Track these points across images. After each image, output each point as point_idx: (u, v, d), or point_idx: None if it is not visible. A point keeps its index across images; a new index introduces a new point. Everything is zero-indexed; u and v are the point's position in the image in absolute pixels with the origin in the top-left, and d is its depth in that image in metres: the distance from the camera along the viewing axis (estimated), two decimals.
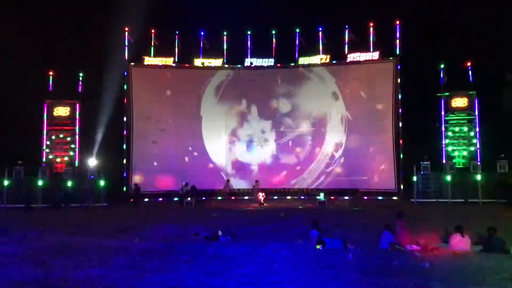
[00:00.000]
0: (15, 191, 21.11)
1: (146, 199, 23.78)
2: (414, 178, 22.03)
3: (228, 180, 23.44)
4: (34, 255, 8.86)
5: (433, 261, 8.05)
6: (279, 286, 6.67)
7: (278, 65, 26.03)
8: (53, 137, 23.56)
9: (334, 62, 25.73)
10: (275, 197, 24.47)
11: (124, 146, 24.54)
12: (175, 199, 22.97)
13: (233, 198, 24.20)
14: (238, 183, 25.85)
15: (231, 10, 26.87)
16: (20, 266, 8.09)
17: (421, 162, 22.58)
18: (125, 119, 24.69)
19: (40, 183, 21.21)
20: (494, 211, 17.42)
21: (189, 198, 21.86)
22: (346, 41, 25.33)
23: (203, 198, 23.44)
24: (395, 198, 23.24)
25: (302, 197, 24.56)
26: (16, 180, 21.43)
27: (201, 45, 26.07)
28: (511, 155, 21.80)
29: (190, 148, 25.79)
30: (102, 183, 22.10)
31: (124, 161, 24.43)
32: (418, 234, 11.41)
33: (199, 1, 28.56)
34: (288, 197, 24.67)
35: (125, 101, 24.78)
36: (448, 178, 21.70)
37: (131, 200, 22.01)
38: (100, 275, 7.30)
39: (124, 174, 24.37)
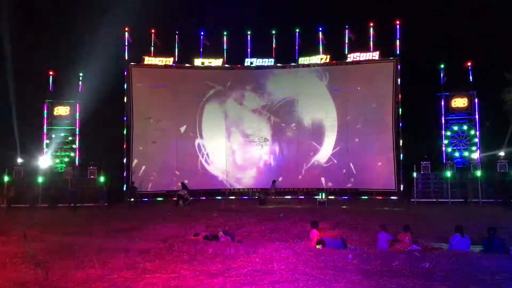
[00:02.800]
0: (16, 191, 21.09)
1: (145, 199, 23.86)
2: (414, 175, 22.09)
3: (274, 181, 23.02)
4: (34, 255, 8.85)
5: (433, 261, 8.04)
6: (279, 286, 6.67)
7: (278, 65, 26.04)
8: (53, 137, 23.56)
9: (334, 62, 25.72)
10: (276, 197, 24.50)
11: (124, 146, 24.53)
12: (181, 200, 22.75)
13: (273, 197, 23.46)
14: (237, 183, 25.88)
15: (231, 10, 26.90)
16: (20, 266, 8.09)
17: (421, 162, 22.60)
18: (125, 119, 24.68)
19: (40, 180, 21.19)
20: (494, 211, 17.43)
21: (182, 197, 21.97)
22: (346, 41, 25.34)
23: (201, 198, 23.53)
24: (395, 198, 23.25)
25: (302, 197, 24.53)
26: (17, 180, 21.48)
27: (201, 45, 26.09)
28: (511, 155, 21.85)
29: (189, 148, 25.79)
30: (102, 182, 22.14)
31: (124, 161, 24.42)
32: (418, 234, 11.43)
33: (199, 1, 28.57)
34: (288, 197, 24.65)
35: (125, 101, 24.79)
36: (448, 177, 21.72)
37: (130, 199, 22.02)
38: (100, 275, 7.30)
39: (124, 174, 24.37)
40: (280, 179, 25.23)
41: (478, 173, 21.48)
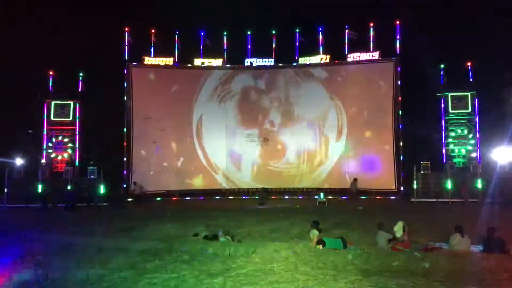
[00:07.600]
0: (16, 191, 21.07)
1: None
2: (414, 175, 22.09)
3: (355, 179, 22.94)
4: (34, 255, 8.84)
5: (433, 261, 8.04)
6: (279, 286, 6.67)
7: (278, 65, 26.03)
8: (53, 137, 23.56)
9: (334, 62, 25.72)
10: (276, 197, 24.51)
11: (124, 146, 24.52)
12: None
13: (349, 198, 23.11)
14: (237, 183, 25.88)
15: (231, 10, 26.89)
16: (20, 266, 8.08)
17: (421, 162, 22.59)
18: (125, 119, 24.68)
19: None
20: (493, 211, 17.39)
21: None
22: (346, 41, 25.35)
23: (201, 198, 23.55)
24: (395, 197, 23.24)
25: (302, 197, 24.52)
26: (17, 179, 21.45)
27: (201, 45, 26.10)
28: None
29: (189, 148, 25.80)
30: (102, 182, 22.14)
31: (124, 160, 24.42)
32: (417, 233, 11.42)
33: (199, 1, 28.55)
34: (288, 197, 24.64)
35: (125, 100, 24.79)
36: (448, 177, 21.71)
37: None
38: (100, 275, 7.30)
39: (124, 174, 24.36)
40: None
41: (478, 173, 21.46)
